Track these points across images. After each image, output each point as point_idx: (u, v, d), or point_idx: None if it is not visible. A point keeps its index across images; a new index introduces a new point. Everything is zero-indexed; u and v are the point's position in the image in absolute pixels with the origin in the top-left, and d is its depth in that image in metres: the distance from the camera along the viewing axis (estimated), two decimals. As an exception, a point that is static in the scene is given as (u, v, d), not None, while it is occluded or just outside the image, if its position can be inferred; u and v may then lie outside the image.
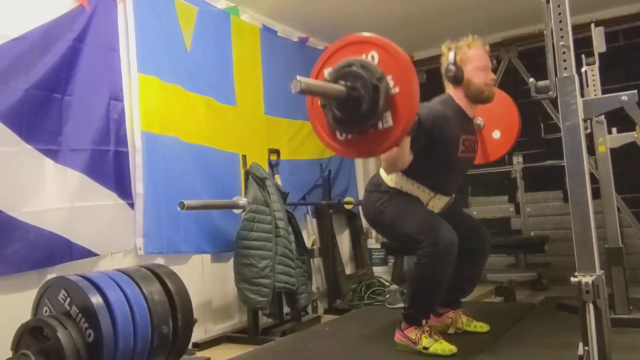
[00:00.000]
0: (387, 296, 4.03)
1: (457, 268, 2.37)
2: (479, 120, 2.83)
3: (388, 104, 1.93)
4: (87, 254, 2.71)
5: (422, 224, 2.36)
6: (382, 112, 1.93)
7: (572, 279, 1.55)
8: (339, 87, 1.96)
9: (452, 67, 2.46)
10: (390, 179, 2.47)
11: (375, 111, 1.93)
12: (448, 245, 2.27)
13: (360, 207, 4.12)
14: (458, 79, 2.47)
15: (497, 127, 2.92)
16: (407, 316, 2.42)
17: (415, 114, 2.01)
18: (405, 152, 2.25)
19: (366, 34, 2.03)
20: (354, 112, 1.96)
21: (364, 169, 5.20)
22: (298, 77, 1.81)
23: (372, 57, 1.98)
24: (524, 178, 4.78)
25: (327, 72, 2.06)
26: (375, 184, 2.54)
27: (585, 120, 1.65)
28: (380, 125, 1.97)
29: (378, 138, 1.99)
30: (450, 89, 2.54)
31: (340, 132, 2.07)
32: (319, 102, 2.09)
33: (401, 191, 2.46)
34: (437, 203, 2.51)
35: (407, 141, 2.20)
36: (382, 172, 2.51)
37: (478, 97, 2.49)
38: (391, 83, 1.94)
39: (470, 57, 2.47)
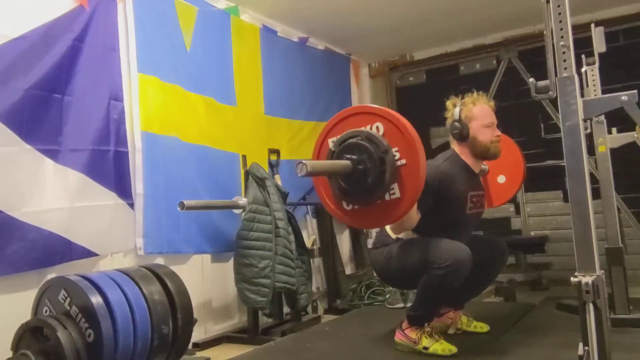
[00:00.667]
0: (387, 296, 4.03)
1: (469, 274, 2.32)
2: (483, 165, 2.80)
3: (395, 176, 1.95)
4: (87, 254, 2.71)
5: (427, 246, 2.31)
6: (389, 184, 1.95)
7: (572, 279, 1.55)
8: (345, 162, 1.97)
9: (457, 125, 2.46)
10: (391, 233, 2.47)
11: (381, 183, 1.95)
12: (457, 259, 2.22)
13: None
14: (463, 137, 2.47)
15: (501, 171, 2.92)
16: (410, 317, 2.42)
17: (423, 185, 1.99)
18: (412, 213, 2.23)
19: (371, 105, 2.04)
20: (360, 184, 1.97)
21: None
22: (304, 161, 1.81)
23: (377, 128, 1.99)
24: (524, 178, 4.77)
25: (331, 141, 2.06)
26: (382, 241, 2.53)
27: (585, 120, 1.65)
28: (387, 197, 1.98)
29: (386, 209, 2.00)
30: (455, 145, 2.54)
31: (347, 203, 2.07)
32: None
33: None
34: None
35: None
36: (387, 229, 2.50)
37: (484, 155, 2.50)
38: (397, 155, 1.95)
39: (475, 114, 2.47)
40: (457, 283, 2.28)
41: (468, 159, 2.50)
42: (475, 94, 2.53)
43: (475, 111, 2.47)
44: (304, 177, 1.86)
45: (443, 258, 2.22)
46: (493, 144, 2.47)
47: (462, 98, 2.53)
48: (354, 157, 1.97)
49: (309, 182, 4.38)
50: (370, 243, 4.90)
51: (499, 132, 2.51)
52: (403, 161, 1.95)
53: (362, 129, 2.01)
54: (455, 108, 2.49)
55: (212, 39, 3.68)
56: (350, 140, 2.00)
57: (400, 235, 2.45)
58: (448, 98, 2.60)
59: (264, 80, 4.10)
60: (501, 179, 2.93)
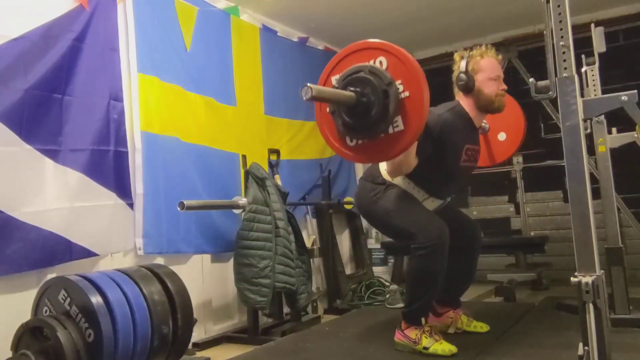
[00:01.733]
0: (387, 296, 4.03)
1: (451, 264, 2.38)
2: (484, 124, 2.82)
3: (398, 108, 1.94)
4: (87, 254, 2.71)
5: (414, 218, 2.37)
6: (393, 116, 1.94)
7: (572, 279, 1.55)
8: (349, 93, 1.95)
9: (463, 76, 2.46)
10: (387, 174, 2.48)
11: (385, 116, 1.94)
12: (440, 239, 2.29)
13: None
14: (469, 88, 2.47)
15: (502, 129, 2.92)
16: (406, 315, 2.42)
17: (426, 117, 2.00)
18: (411, 157, 2.26)
19: (373, 40, 2.03)
20: (364, 117, 1.96)
21: (363, 169, 5.16)
22: (309, 85, 1.79)
23: (380, 62, 1.98)
24: (524, 178, 4.78)
25: (335, 79, 2.05)
26: (372, 175, 2.55)
27: (585, 120, 1.65)
28: (391, 130, 1.97)
29: (389, 142, 1.99)
30: (460, 97, 2.54)
31: (350, 138, 2.07)
32: (327, 109, 2.09)
33: (396, 186, 2.46)
34: (430, 205, 2.52)
35: (413, 146, 2.20)
36: (382, 167, 2.51)
37: (488, 108, 2.50)
38: (400, 87, 1.94)
39: (482, 66, 2.47)
40: (441, 265, 2.31)
41: (471, 111, 2.50)
42: (483, 46, 2.53)
43: (483, 63, 2.47)
44: (309, 100, 1.82)
45: (425, 237, 2.27)
46: (498, 97, 2.47)
47: (470, 50, 2.52)
48: (357, 89, 1.96)
49: (309, 182, 4.41)
50: (370, 243, 4.93)
51: (504, 86, 2.51)
52: (407, 93, 1.94)
53: (365, 63, 2.00)
54: (462, 60, 2.49)
55: (212, 39, 3.68)
56: (354, 75, 1.99)
57: (390, 178, 2.45)
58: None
59: (264, 80, 4.10)
60: (502, 136, 2.94)
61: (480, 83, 2.46)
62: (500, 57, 2.55)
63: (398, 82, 1.95)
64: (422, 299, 2.39)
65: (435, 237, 2.29)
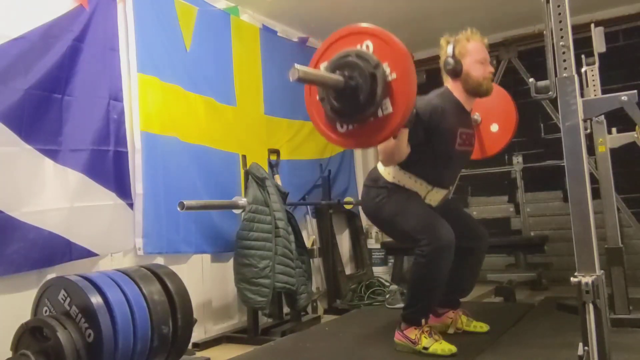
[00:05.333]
0: (387, 296, 4.03)
1: (455, 267, 2.37)
2: (476, 116, 2.83)
3: (386, 91, 1.94)
4: (87, 254, 2.71)
5: (420, 221, 2.36)
6: (381, 99, 1.94)
7: (572, 279, 1.55)
8: (337, 76, 1.96)
9: (451, 60, 2.47)
10: (387, 173, 2.48)
11: (374, 99, 1.93)
12: (446, 243, 2.28)
13: (360, 206, 4.12)
14: (456, 72, 2.47)
15: (494, 120, 2.92)
16: (406, 316, 2.42)
17: (414, 98, 2.00)
18: (403, 144, 2.25)
19: (359, 24, 2.03)
20: (353, 101, 1.96)
21: (363, 169, 5.19)
22: (296, 65, 1.79)
23: (367, 46, 1.98)
24: (524, 178, 4.78)
25: (323, 65, 2.06)
26: (373, 179, 2.54)
27: (585, 121, 1.65)
28: (380, 113, 1.96)
29: (379, 126, 1.98)
30: (448, 82, 2.54)
31: (340, 124, 2.07)
32: (317, 97, 2.09)
33: (399, 186, 2.46)
34: (435, 196, 2.51)
35: (404, 133, 2.21)
36: (380, 167, 2.51)
37: (476, 90, 2.49)
38: (387, 70, 1.94)
39: (469, 50, 2.47)
40: (444, 270, 2.30)
41: (460, 96, 2.50)
42: (469, 30, 2.52)
43: (469, 47, 2.47)
44: (296, 81, 1.83)
45: (430, 243, 2.26)
46: (485, 80, 2.47)
47: (456, 35, 2.52)
48: (345, 73, 1.96)
49: (309, 182, 4.41)
50: (370, 243, 4.93)
51: (492, 69, 2.51)
52: (394, 75, 1.93)
53: (352, 48, 2.00)
54: (448, 45, 2.49)
55: (212, 39, 3.68)
56: (341, 60, 1.99)
57: (391, 177, 2.45)
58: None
59: (264, 80, 4.10)
60: (494, 127, 2.94)
61: (468, 66, 2.46)
62: (486, 40, 2.54)
63: (385, 64, 1.95)
64: (423, 302, 2.40)
65: (440, 243, 2.27)
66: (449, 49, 2.48)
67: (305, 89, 2.15)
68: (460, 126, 2.48)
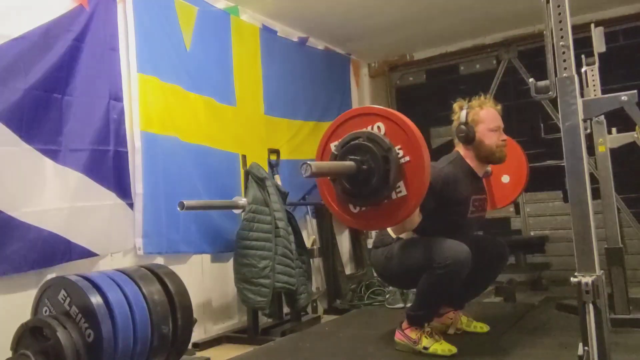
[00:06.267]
0: (387, 296, 4.03)
1: (470, 274, 2.31)
2: (487, 168, 2.80)
3: (400, 174, 1.95)
4: (87, 254, 2.71)
5: (429, 246, 2.30)
6: (395, 182, 1.94)
7: (572, 279, 1.55)
8: (349, 163, 1.96)
9: (464, 128, 2.46)
10: (392, 233, 2.46)
11: (387, 182, 1.94)
12: (458, 259, 2.22)
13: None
14: (469, 140, 2.46)
15: (505, 171, 2.92)
16: (410, 317, 2.41)
17: (428, 181, 1.99)
18: (414, 215, 2.22)
19: (371, 106, 2.03)
20: (366, 184, 1.96)
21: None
22: (308, 162, 1.80)
23: (379, 127, 1.98)
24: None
25: (333, 145, 2.06)
26: (381, 240, 2.53)
27: (585, 121, 1.65)
28: (394, 195, 1.97)
29: (394, 208, 1.99)
30: (460, 148, 2.53)
31: (353, 205, 2.06)
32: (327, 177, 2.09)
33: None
34: None
35: None
36: (390, 229, 2.48)
37: (489, 158, 2.50)
38: (400, 152, 1.95)
39: (482, 117, 2.46)
40: (457, 282, 2.28)
41: (472, 163, 2.50)
42: (482, 96, 2.53)
43: (482, 114, 2.47)
44: (309, 178, 1.84)
45: (444, 257, 2.22)
46: (499, 148, 2.47)
47: (469, 101, 2.52)
48: (357, 158, 1.96)
49: (309, 182, 4.40)
50: (370, 243, 4.92)
51: (505, 137, 2.51)
52: (407, 158, 1.95)
53: (363, 130, 2.00)
54: (462, 111, 2.49)
55: (212, 39, 3.68)
56: (353, 142, 1.99)
57: (402, 236, 2.45)
58: (451, 99, 2.59)
59: (264, 80, 4.10)
60: (505, 179, 2.93)
61: (481, 134, 2.45)
62: (499, 106, 2.54)
63: (397, 147, 1.95)
64: (430, 308, 2.40)
65: (452, 257, 2.21)
66: (462, 115, 2.47)
67: None
68: (473, 194, 2.47)
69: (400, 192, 1.96)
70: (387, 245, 2.47)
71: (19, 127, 2.46)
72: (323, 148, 2.12)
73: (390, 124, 1.98)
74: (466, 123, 2.46)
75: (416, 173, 1.94)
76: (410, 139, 1.95)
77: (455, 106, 2.55)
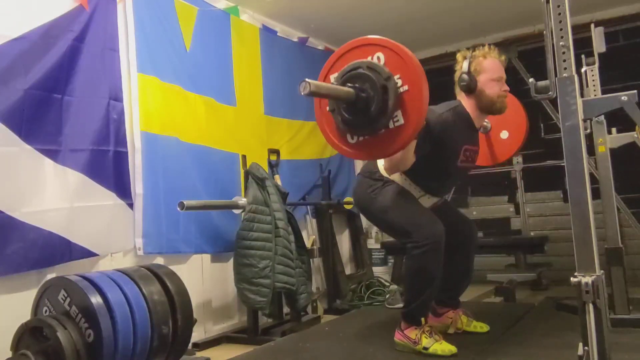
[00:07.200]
0: (387, 296, 4.03)
1: (448, 264, 2.39)
2: (486, 122, 2.82)
3: (398, 103, 1.94)
4: (87, 254, 2.71)
5: (410, 216, 2.38)
6: (393, 111, 1.94)
7: (572, 279, 1.55)
8: (348, 89, 1.96)
9: (466, 77, 2.45)
10: (384, 170, 2.48)
11: (385, 111, 1.94)
12: (435, 238, 2.30)
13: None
14: (471, 89, 2.46)
15: (504, 127, 2.92)
16: (405, 315, 2.42)
17: (426, 110, 2.00)
18: (409, 155, 2.25)
19: (370, 36, 2.03)
20: (364, 113, 1.96)
21: (363, 169, 5.19)
22: (307, 80, 1.79)
23: (378, 58, 1.98)
24: (524, 178, 4.77)
25: (333, 77, 2.06)
26: (369, 171, 2.55)
27: (585, 121, 1.65)
28: (391, 125, 1.97)
29: (390, 137, 1.99)
30: (461, 97, 2.53)
31: (351, 135, 2.07)
32: (327, 108, 2.09)
33: (393, 182, 2.47)
34: (426, 202, 2.53)
35: (412, 144, 2.20)
36: (380, 162, 2.51)
37: (489, 109, 2.49)
38: (399, 82, 1.95)
39: (484, 67, 2.46)
40: (437, 264, 2.32)
41: (473, 112, 2.50)
42: (486, 47, 2.52)
43: (485, 64, 2.47)
44: (307, 95, 1.83)
45: (421, 235, 2.29)
46: (500, 98, 2.46)
47: (473, 51, 2.51)
48: (356, 85, 1.97)
49: (309, 182, 4.41)
50: (370, 243, 4.93)
51: (507, 87, 2.49)
52: (405, 87, 1.94)
53: (363, 60, 2.00)
54: (464, 60, 2.48)
55: (212, 39, 3.68)
56: (352, 72, 1.99)
57: (387, 174, 2.46)
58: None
59: (264, 80, 4.10)
60: (504, 134, 2.94)
61: (483, 84, 2.45)
62: (503, 57, 2.54)
63: (396, 76, 1.95)
64: (420, 299, 2.39)
65: (430, 236, 2.30)
66: (465, 65, 2.47)
67: (315, 101, 2.14)
68: (466, 143, 2.48)
69: (397, 121, 1.96)
70: (375, 181, 2.49)
71: (19, 127, 2.46)
72: (323, 80, 2.12)
73: (390, 54, 1.97)
74: (468, 72, 2.46)
75: (414, 102, 1.93)
76: (409, 69, 1.95)
77: (459, 56, 2.55)
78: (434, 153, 2.35)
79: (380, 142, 2.02)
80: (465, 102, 2.51)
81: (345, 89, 1.96)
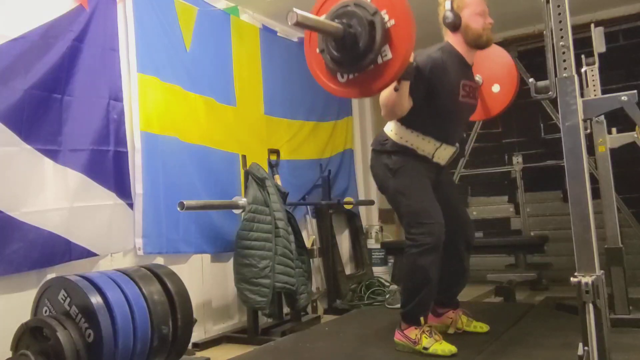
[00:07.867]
0: (387, 296, 4.03)
1: (444, 264, 2.40)
2: (477, 77, 2.81)
3: (385, 38, 1.96)
4: (87, 254, 2.71)
5: (416, 210, 2.39)
6: (380, 46, 1.96)
7: (572, 279, 1.55)
8: (335, 24, 1.99)
9: (450, 14, 2.47)
10: (395, 134, 2.47)
11: (373, 46, 1.96)
12: (434, 239, 2.32)
13: (356, 205, 4.06)
14: (455, 25, 2.47)
15: (495, 80, 2.91)
16: (404, 315, 2.41)
17: (413, 43, 2.01)
18: (404, 98, 2.26)
19: None
20: (352, 50, 1.99)
21: (363, 169, 5.19)
22: (294, 9, 1.81)
23: None
24: (524, 178, 4.78)
25: (322, 18, 2.08)
26: (381, 142, 2.54)
27: (585, 121, 1.65)
28: (379, 60, 1.99)
29: (379, 72, 2.01)
30: (448, 36, 2.54)
31: (340, 74, 2.10)
32: (317, 49, 2.12)
33: (408, 150, 2.45)
34: (443, 154, 2.51)
35: (405, 86, 2.21)
36: (387, 128, 2.51)
37: (476, 42, 2.49)
38: (386, 17, 1.97)
39: (467, 2, 2.48)
40: (435, 261, 2.32)
41: (461, 48, 2.50)
42: None
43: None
44: (295, 25, 1.86)
45: (420, 234, 2.31)
46: (485, 30, 2.47)
47: None
48: (344, 21, 1.99)
49: (309, 182, 4.41)
50: (370, 244, 4.93)
51: (490, 20, 2.51)
52: (392, 22, 1.96)
53: None
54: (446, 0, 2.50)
55: (211, 39, 3.68)
56: (340, 10, 2.03)
57: (399, 137, 2.44)
58: None
59: (264, 80, 4.10)
60: (495, 88, 2.94)
61: (467, 19, 2.46)
62: None
63: (383, 11, 1.97)
64: (418, 298, 2.38)
65: (429, 236, 2.31)
66: (447, 3, 2.48)
67: (305, 41, 2.20)
68: (462, 78, 2.48)
69: (385, 55, 1.98)
70: (389, 154, 2.48)
71: (19, 127, 2.46)
72: None
73: None
74: (452, 9, 2.47)
75: (401, 36, 1.95)
76: (395, 3, 1.97)
77: None
78: (433, 93, 2.36)
79: (369, 78, 2.04)
80: (453, 40, 2.51)
81: (333, 23, 1.99)
